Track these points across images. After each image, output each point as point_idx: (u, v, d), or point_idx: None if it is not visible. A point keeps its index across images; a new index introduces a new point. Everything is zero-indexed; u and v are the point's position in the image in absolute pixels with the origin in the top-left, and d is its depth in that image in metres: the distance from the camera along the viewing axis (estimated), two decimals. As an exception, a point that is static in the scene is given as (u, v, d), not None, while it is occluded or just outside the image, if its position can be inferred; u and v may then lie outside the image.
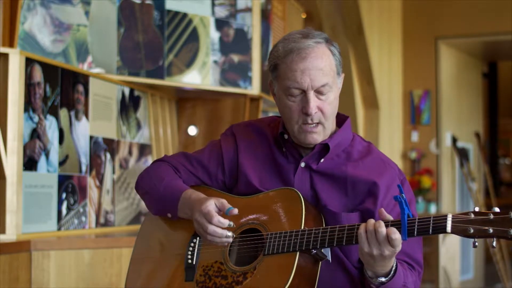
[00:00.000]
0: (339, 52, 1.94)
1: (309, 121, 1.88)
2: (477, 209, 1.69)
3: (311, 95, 1.87)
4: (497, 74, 9.37)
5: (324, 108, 1.88)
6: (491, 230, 1.64)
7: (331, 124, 1.93)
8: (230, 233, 1.86)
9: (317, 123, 1.90)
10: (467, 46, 7.67)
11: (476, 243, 1.67)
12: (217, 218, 1.85)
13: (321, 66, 1.86)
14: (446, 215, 1.69)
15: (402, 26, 7.30)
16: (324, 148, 1.95)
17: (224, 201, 1.89)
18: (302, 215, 1.84)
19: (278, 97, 1.94)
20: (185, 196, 1.96)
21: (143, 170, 2.13)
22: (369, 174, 1.92)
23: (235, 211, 1.86)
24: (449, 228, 1.67)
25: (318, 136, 1.91)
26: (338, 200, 1.92)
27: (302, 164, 1.95)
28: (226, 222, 1.85)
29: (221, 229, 1.85)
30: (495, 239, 1.65)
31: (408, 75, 7.32)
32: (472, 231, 1.66)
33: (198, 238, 1.99)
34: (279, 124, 2.02)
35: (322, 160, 1.95)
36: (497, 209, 1.66)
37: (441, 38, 7.25)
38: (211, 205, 1.87)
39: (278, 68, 1.91)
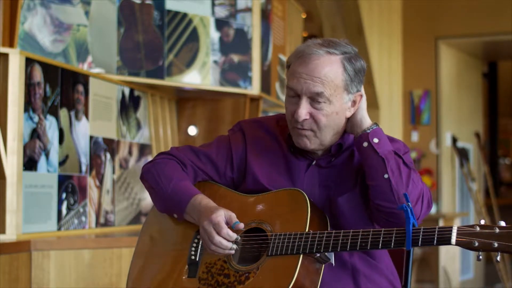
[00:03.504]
0: (359, 71, 1.91)
1: (299, 126, 1.90)
2: (482, 222, 1.69)
3: (304, 101, 1.87)
4: (497, 74, 9.38)
5: (316, 117, 1.88)
6: (496, 244, 1.63)
7: (327, 136, 1.91)
8: (235, 246, 1.87)
9: (309, 129, 1.90)
10: (467, 46, 7.67)
11: (480, 256, 1.66)
12: (226, 231, 1.86)
13: (319, 75, 1.85)
14: (451, 227, 1.68)
15: (402, 26, 7.30)
16: (337, 148, 1.96)
17: (233, 214, 1.90)
18: (307, 217, 1.84)
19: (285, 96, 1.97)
20: (194, 202, 1.96)
21: (148, 161, 2.11)
22: None
23: (241, 225, 1.88)
24: (453, 241, 1.67)
25: (308, 141, 1.91)
26: (349, 192, 1.93)
27: (313, 162, 1.97)
28: (234, 235, 1.87)
29: (226, 241, 1.86)
30: (499, 253, 1.64)
31: (408, 75, 7.32)
32: (476, 244, 1.65)
33: None
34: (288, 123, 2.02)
35: (333, 159, 1.97)
36: (502, 223, 1.66)
37: (441, 38, 7.25)
38: (221, 215, 1.88)
39: (289, 68, 1.93)
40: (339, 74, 1.87)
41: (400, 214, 1.79)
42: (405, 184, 1.82)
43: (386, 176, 1.82)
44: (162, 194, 2.01)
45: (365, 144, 1.86)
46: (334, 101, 1.88)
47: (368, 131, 1.88)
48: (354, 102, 1.94)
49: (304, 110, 1.87)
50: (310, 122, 1.88)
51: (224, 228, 1.86)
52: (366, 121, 1.92)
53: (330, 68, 1.86)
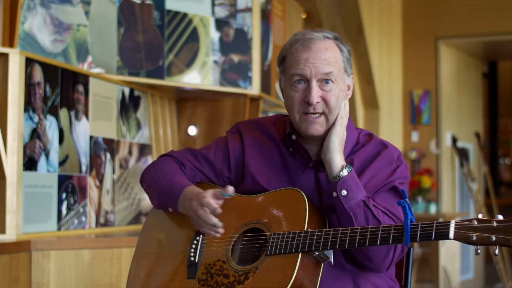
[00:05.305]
0: (349, 53, 1.96)
1: (311, 111, 1.89)
2: (480, 216, 1.68)
3: (314, 84, 1.88)
4: (497, 74, 9.38)
5: (327, 98, 1.89)
6: (493, 238, 1.63)
7: (334, 118, 1.92)
8: (220, 210, 1.87)
9: (320, 114, 1.90)
10: (467, 46, 7.67)
11: (479, 250, 1.66)
12: (207, 198, 1.86)
13: (325, 57, 1.89)
14: (449, 222, 1.68)
15: (402, 26, 7.30)
16: None
17: (220, 190, 1.89)
18: (305, 216, 1.84)
19: (285, 89, 1.96)
20: (186, 191, 1.97)
21: (149, 164, 2.14)
22: (367, 158, 1.95)
23: (231, 189, 1.85)
24: (451, 235, 1.67)
25: (321, 127, 1.91)
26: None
27: (311, 164, 1.97)
28: (213, 204, 1.86)
29: (208, 213, 1.86)
30: (497, 246, 1.64)
31: (408, 75, 7.32)
32: (474, 238, 1.65)
33: (201, 235, 1.99)
34: (285, 123, 2.03)
35: None
36: (500, 217, 1.66)
37: (441, 38, 7.25)
38: (208, 191, 1.89)
39: (285, 60, 1.94)
40: (338, 55, 1.92)
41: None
42: None
43: None
44: (157, 188, 2.03)
45: (334, 194, 1.86)
46: (338, 81, 1.91)
47: (338, 179, 1.86)
48: (348, 86, 1.97)
49: (316, 93, 1.88)
50: (322, 104, 1.90)
51: (206, 196, 1.86)
52: (335, 164, 1.87)
53: (331, 50, 1.90)
